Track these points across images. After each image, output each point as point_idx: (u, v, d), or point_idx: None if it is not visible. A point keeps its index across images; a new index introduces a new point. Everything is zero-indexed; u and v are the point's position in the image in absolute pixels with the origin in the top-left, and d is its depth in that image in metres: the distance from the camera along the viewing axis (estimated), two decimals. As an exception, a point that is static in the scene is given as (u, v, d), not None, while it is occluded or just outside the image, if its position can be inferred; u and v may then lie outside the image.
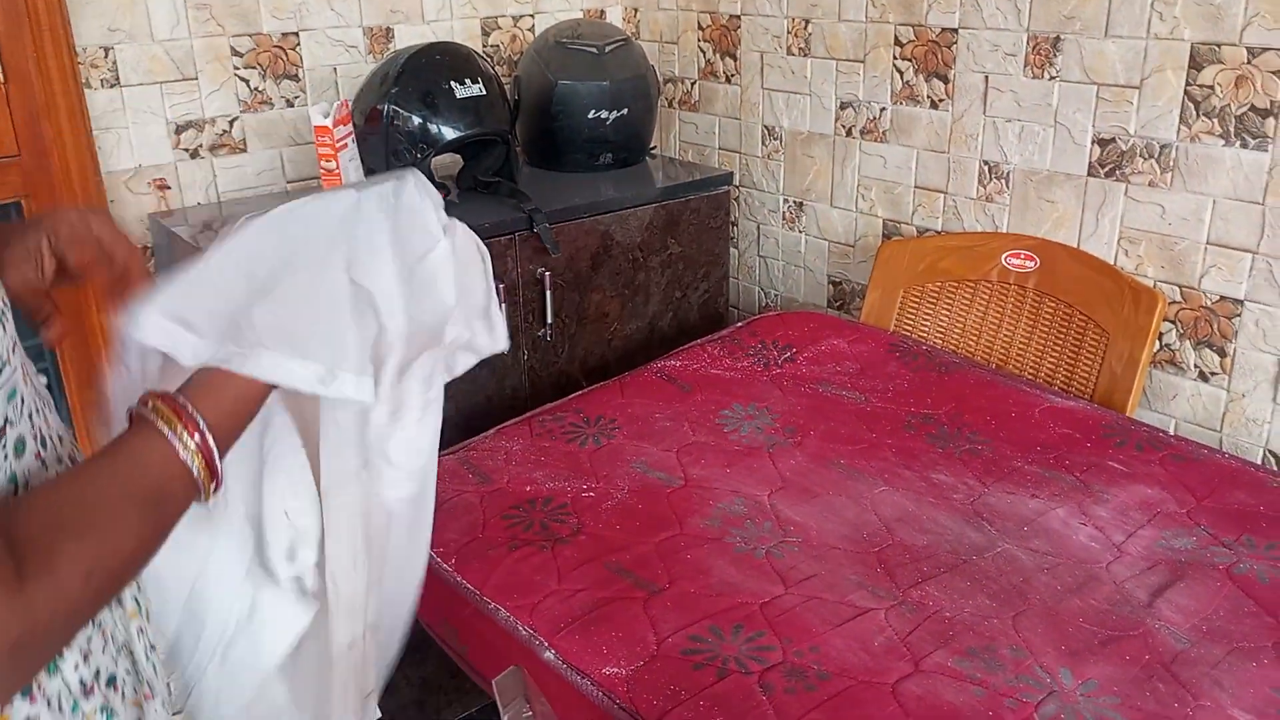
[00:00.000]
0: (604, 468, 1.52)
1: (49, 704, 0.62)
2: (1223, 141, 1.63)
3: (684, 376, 1.79)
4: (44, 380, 0.69)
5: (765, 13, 2.26)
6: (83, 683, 0.65)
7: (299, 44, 2.10)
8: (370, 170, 1.96)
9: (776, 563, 1.29)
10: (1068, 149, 1.82)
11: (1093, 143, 1.79)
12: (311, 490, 0.85)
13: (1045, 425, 1.60)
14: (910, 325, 2.03)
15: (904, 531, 1.36)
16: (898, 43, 2.03)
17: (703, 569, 1.28)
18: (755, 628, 1.17)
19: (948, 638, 1.16)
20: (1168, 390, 1.79)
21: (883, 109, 2.09)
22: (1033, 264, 1.88)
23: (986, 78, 1.90)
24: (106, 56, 1.90)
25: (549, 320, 2.00)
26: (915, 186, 2.08)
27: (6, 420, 0.61)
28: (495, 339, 0.88)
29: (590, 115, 2.17)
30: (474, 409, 1.95)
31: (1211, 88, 1.62)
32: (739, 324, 1.99)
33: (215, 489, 0.67)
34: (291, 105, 2.12)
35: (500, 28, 2.37)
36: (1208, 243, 1.69)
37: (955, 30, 1.93)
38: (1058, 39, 1.78)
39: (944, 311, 2.00)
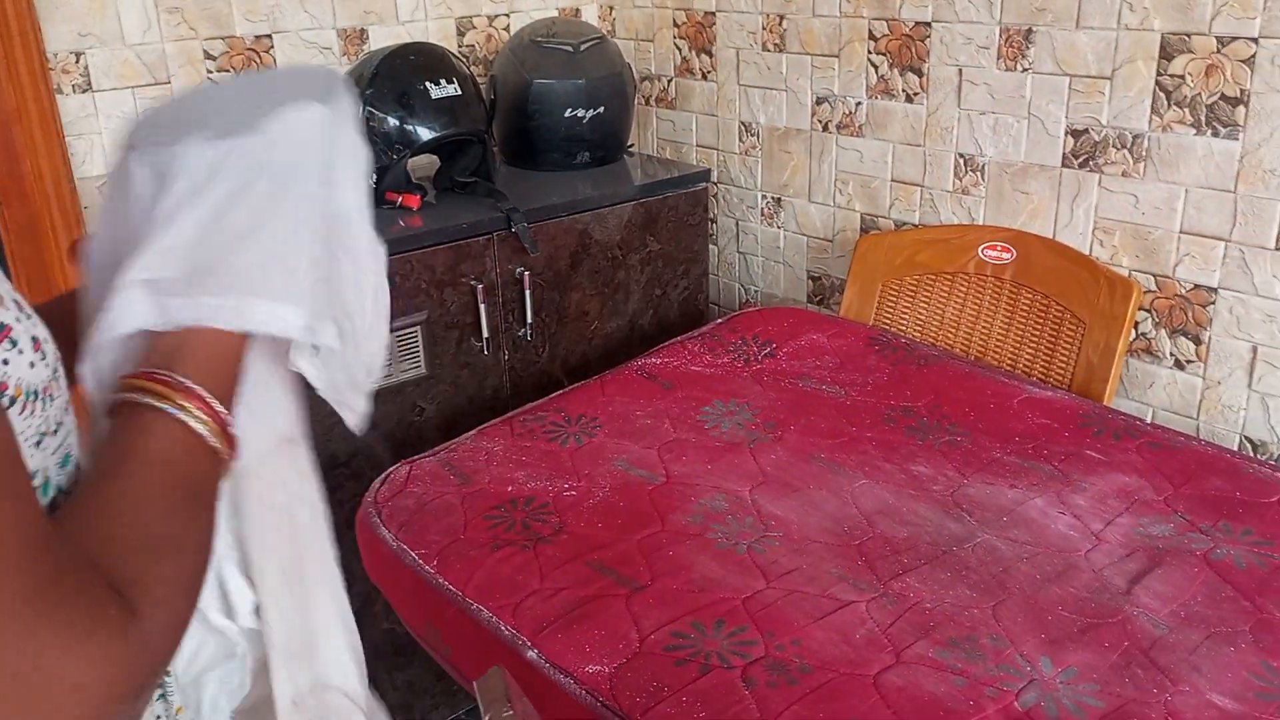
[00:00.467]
0: (585, 466, 1.52)
1: None
2: (1194, 130, 1.64)
3: (665, 374, 1.79)
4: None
5: (740, 9, 2.26)
6: None
7: (273, 46, 2.09)
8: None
9: (758, 557, 1.30)
10: (1041, 140, 1.83)
11: (1066, 134, 1.80)
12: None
13: (1023, 416, 1.61)
14: (889, 319, 2.04)
15: (884, 524, 1.36)
16: (872, 37, 2.04)
17: (684, 565, 1.28)
18: (737, 622, 1.17)
19: (928, 628, 1.16)
20: (1144, 379, 1.81)
21: (858, 103, 2.10)
22: (1009, 255, 1.89)
23: (960, 71, 1.91)
24: (78, 61, 1.88)
25: (529, 320, 2.00)
26: (892, 180, 2.09)
27: (60, 490, 0.56)
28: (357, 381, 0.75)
29: (567, 114, 2.17)
30: (455, 410, 1.95)
31: (1182, 77, 1.64)
32: (719, 320, 1.99)
33: (234, 454, 0.61)
34: (266, 108, 2.10)
35: (475, 27, 2.36)
36: (1181, 231, 1.70)
37: (928, 24, 1.94)
38: (1029, 31, 1.79)
39: (922, 304, 2.01)
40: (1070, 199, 1.82)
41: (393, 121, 1.90)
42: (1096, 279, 1.77)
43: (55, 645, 0.44)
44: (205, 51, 2.01)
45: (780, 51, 2.21)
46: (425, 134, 1.92)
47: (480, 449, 1.58)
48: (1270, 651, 1.12)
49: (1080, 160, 1.79)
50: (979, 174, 1.94)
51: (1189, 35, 1.61)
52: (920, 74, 1.98)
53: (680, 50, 2.43)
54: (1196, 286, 1.70)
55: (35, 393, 0.52)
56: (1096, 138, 1.76)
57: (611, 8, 2.56)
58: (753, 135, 2.33)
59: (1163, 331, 1.76)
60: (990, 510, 1.39)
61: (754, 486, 1.46)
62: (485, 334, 1.94)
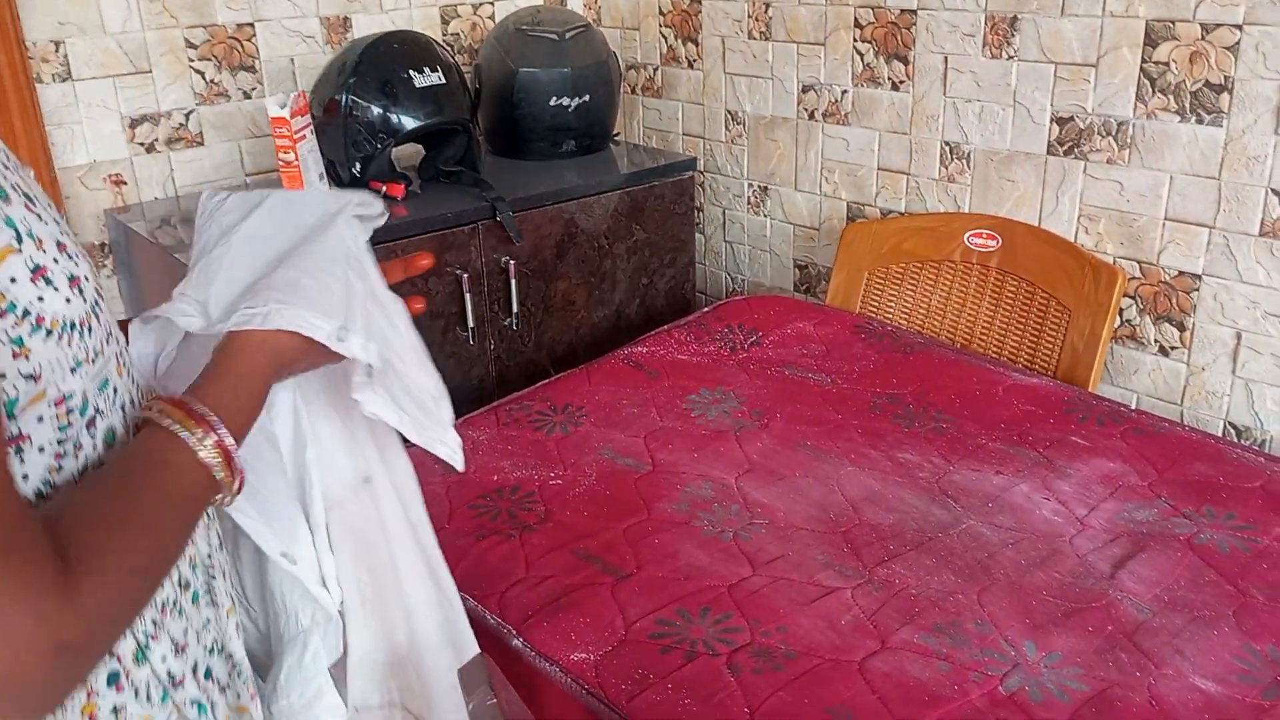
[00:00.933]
0: (571, 455, 1.52)
1: (136, 693, 0.63)
2: (1178, 118, 1.64)
3: (651, 363, 1.79)
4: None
5: (726, -3, 2.25)
6: (171, 674, 0.66)
7: (255, 35, 2.07)
8: (330, 162, 1.94)
9: (744, 545, 1.30)
10: (1027, 128, 1.83)
11: (1051, 121, 1.80)
12: (303, 524, 0.82)
13: (1009, 402, 1.61)
14: (875, 306, 2.04)
15: (870, 511, 1.37)
16: (857, 25, 2.03)
17: (670, 553, 1.28)
18: (723, 610, 1.17)
19: (914, 614, 1.17)
20: (1129, 365, 1.81)
21: (844, 91, 2.10)
22: (995, 243, 1.89)
23: (946, 59, 1.91)
24: (57, 51, 1.86)
25: (515, 309, 1.99)
26: (878, 168, 2.09)
27: (97, 410, 0.61)
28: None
29: (552, 102, 2.16)
30: (441, 400, 1.94)
31: (1167, 64, 1.64)
32: (705, 309, 1.99)
33: (238, 487, 0.66)
34: (249, 97, 2.09)
35: (460, 15, 2.35)
36: (1165, 218, 1.70)
37: (914, 11, 1.93)
38: (1015, 19, 1.79)
39: (908, 292, 2.01)
40: (1055, 186, 1.82)
41: (376, 110, 1.89)
42: (1081, 266, 1.77)
43: None
44: (187, 40, 1.99)
45: (766, 40, 2.20)
46: (409, 123, 1.91)
47: (466, 438, 1.56)
48: (1253, 635, 1.13)
49: (1065, 148, 1.79)
50: (965, 162, 1.94)
51: (1173, 22, 1.61)
52: (906, 62, 1.97)
53: (666, 39, 2.42)
54: (1181, 273, 1.71)
55: (73, 324, 0.57)
56: (1082, 125, 1.76)
57: (597, -4, 2.55)
58: (739, 124, 2.32)
59: (1147, 318, 1.77)
60: (975, 496, 1.39)
61: (740, 474, 1.46)
62: (471, 324, 1.93)
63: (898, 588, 1.21)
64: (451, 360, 1.94)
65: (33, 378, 0.55)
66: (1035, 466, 1.45)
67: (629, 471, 1.47)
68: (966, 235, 1.92)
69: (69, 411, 0.58)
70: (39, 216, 0.57)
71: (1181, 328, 1.73)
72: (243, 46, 2.06)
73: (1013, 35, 1.80)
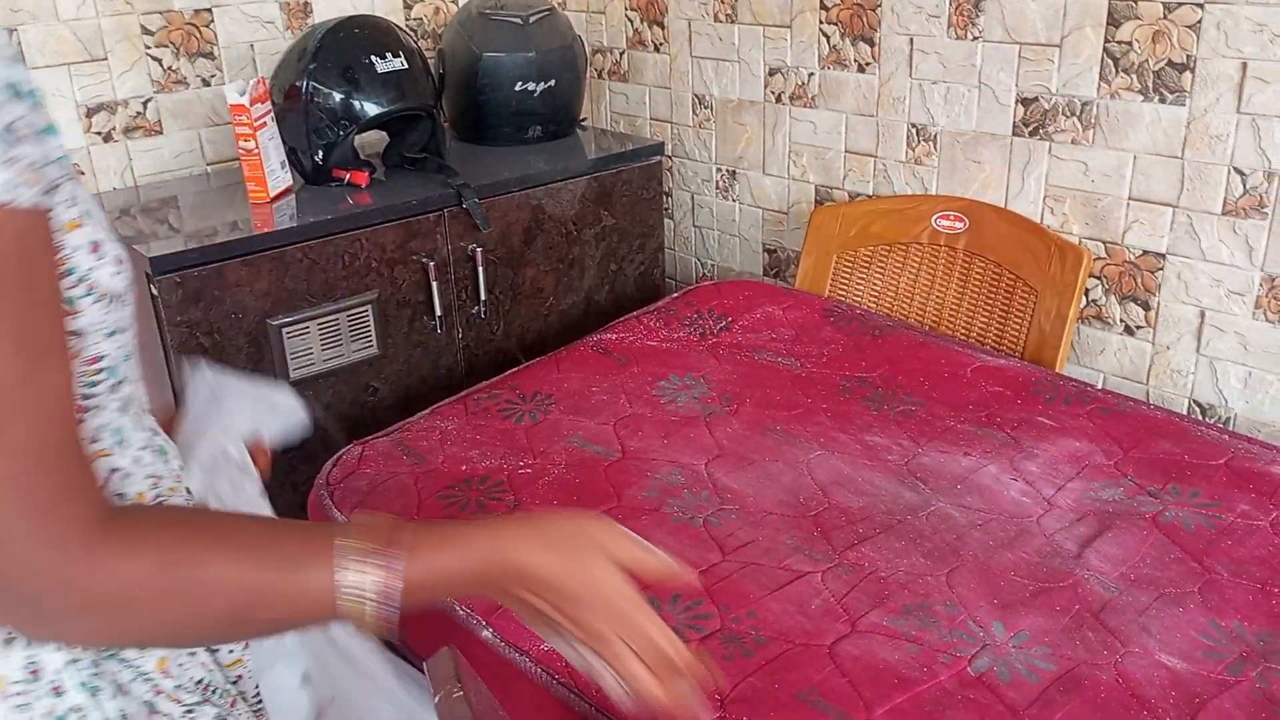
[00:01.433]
0: (541, 443, 1.51)
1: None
2: (1141, 97, 1.65)
3: (620, 349, 1.78)
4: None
5: (691, -21, 2.24)
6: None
7: (213, 20, 2.03)
8: (291, 149, 1.91)
9: (714, 531, 1.29)
10: (992, 109, 1.83)
11: (1016, 102, 1.80)
12: None
13: (977, 384, 1.62)
14: (844, 290, 2.04)
15: (840, 494, 1.37)
16: (823, 7, 2.02)
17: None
18: (693, 596, 1.17)
19: (883, 597, 1.17)
20: (1095, 345, 1.82)
21: (811, 74, 2.09)
22: (962, 225, 1.89)
23: (911, 40, 1.91)
24: (10, 38, 1.82)
25: (482, 297, 1.98)
26: (846, 151, 2.09)
27: (124, 378, 0.67)
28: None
29: (517, 87, 2.14)
30: (409, 390, 1.93)
31: (1130, 44, 1.64)
32: (675, 295, 1.98)
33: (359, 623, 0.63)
34: (208, 84, 2.06)
35: (422, 0, 2.32)
36: (1130, 198, 1.71)
37: (879, -7, 1.93)
38: (980, -1, 1.79)
39: (876, 275, 2.01)
40: (1021, 167, 1.83)
41: (338, 97, 1.86)
42: (1048, 247, 1.78)
43: (12, 503, 0.54)
44: (143, 26, 1.96)
45: (732, 22, 2.19)
46: (372, 109, 1.88)
47: (434, 428, 1.56)
48: (1218, 611, 1.14)
49: (1031, 129, 1.79)
50: (931, 144, 1.94)
51: (1136, 1, 1.62)
52: (872, 44, 1.97)
53: (632, 22, 2.40)
54: (1145, 253, 1.72)
55: (114, 296, 0.64)
56: (1046, 106, 1.76)
57: (562, -21, 2.53)
58: (706, 108, 2.31)
59: (1113, 298, 1.78)
60: (944, 478, 1.39)
61: (710, 460, 1.45)
62: (438, 312, 1.91)
63: (867, 571, 1.21)
64: (419, 350, 1.93)
65: (77, 334, 0.61)
66: (1003, 447, 1.46)
67: (598, 459, 1.46)
68: (934, 217, 1.92)
69: (99, 371, 0.64)
70: (94, 203, 0.64)
71: (1146, 307, 1.74)
72: (200, 32, 2.03)
73: (977, 16, 1.80)
